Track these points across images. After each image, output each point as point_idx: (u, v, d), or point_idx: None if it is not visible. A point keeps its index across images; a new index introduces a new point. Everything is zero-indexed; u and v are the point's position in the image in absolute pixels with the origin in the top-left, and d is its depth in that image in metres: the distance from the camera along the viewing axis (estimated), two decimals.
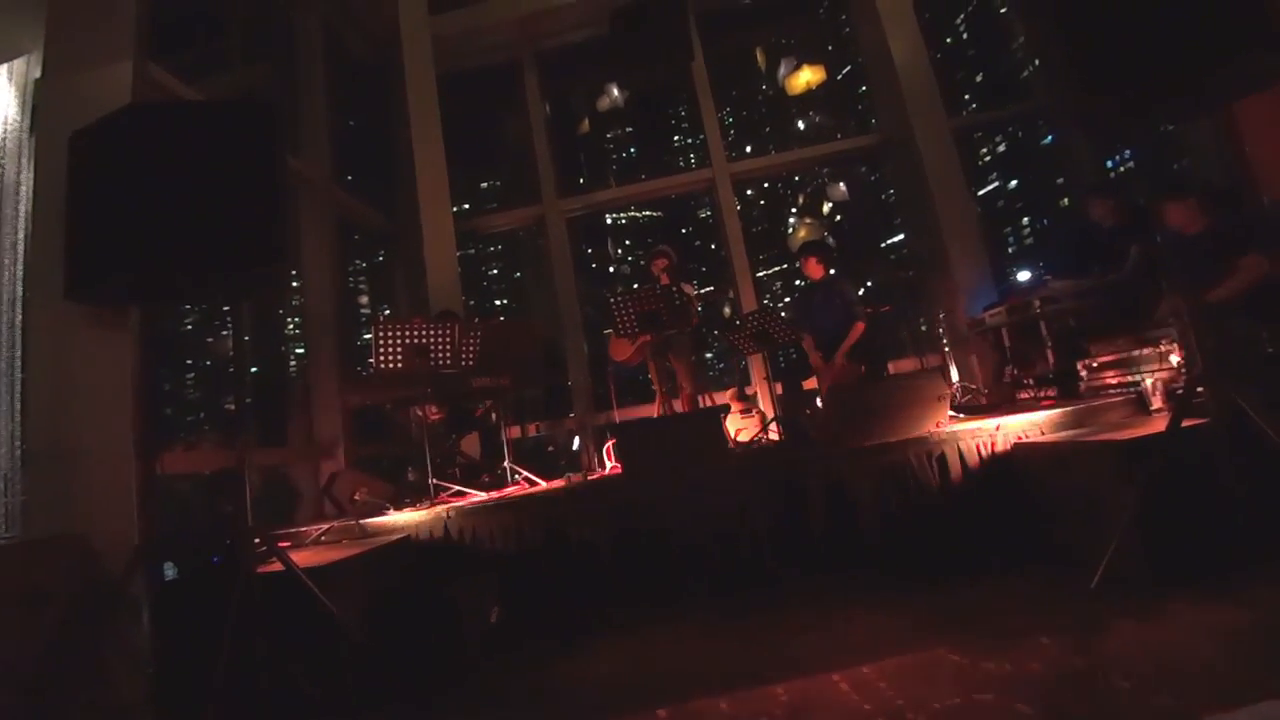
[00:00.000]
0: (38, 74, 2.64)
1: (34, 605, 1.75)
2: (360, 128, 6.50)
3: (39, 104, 2.63)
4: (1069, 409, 2.93)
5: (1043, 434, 2.84)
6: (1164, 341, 2.94)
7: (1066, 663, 1.59)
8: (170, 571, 2.56)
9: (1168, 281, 3.28)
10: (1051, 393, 3.83)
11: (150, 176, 1.84)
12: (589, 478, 3.51)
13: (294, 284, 4.87)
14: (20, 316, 2.57)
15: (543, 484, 3.51)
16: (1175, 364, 2.82)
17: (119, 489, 2.28)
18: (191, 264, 1.83)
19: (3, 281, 2.69)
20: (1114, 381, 3.21)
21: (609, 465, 3.95)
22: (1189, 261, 3.16)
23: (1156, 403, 2.70)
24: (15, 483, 2.30)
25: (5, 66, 2.72)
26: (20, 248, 2.66)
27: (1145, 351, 3.02)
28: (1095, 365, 3.36)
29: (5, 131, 2.73)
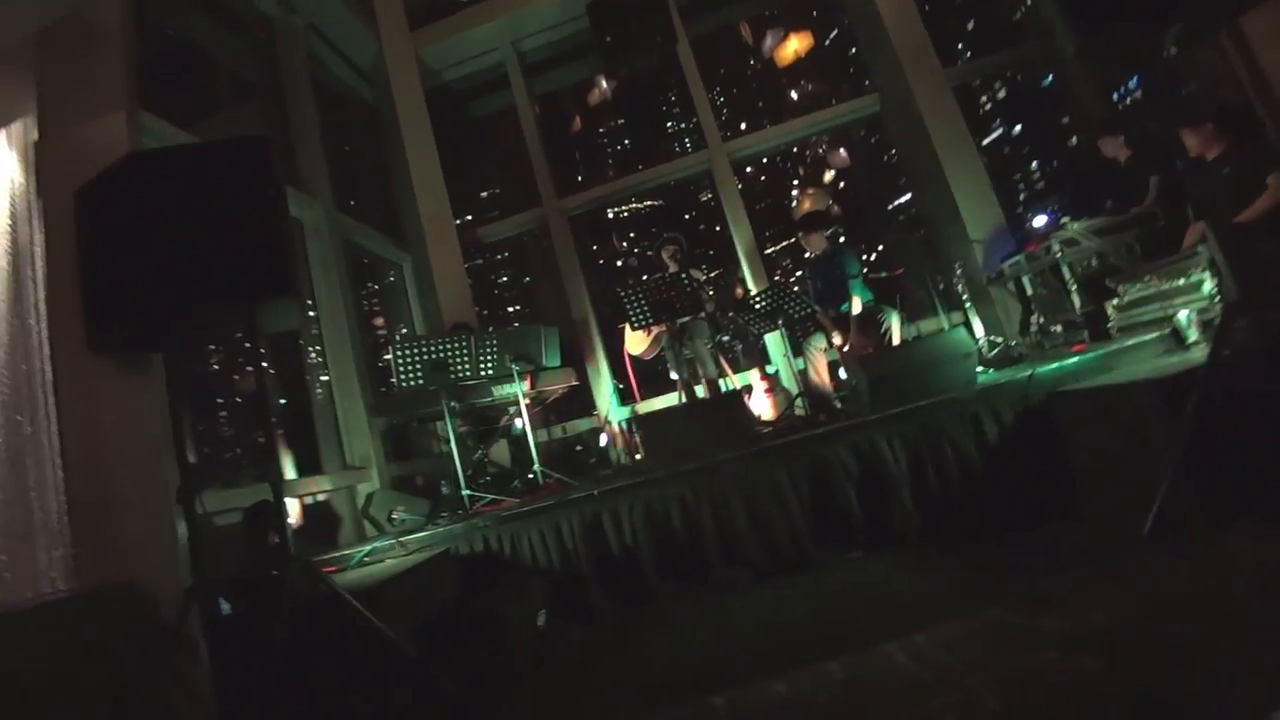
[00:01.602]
0: (35, 135, 2.68)
1: (93, 656, 1.79)
2: (357, 153, 6.54)
3: (41, 165, 2.68)
4: (1102, 351, 2.85)
5: (1078, 381, 2.76)
6: (1194, 270, 2.84)
7: (1129, 612, 1.55)
8: (224, 607, 2.61)
9: (1193, 208, 3.17)
10: (1082, 337, 3.74)
11: (155, 223, 1.86)
12: (619, 472, 3.51)
13: (311, 313, 4.93)
14: (50, 372, 2.63)
15: (574, 484, 3.51)
16: (1208, 293, 2.72)
17: (164, 532, 2.32)
18: (205, 303, 1.85)
19: (31, 341, 2.75)
20: (1146, 319, 3.12)
21: (638, 457, 3.94)
22: (1213, 186, 3.05)
23: (1193, 335, 2.61)
24: (64, 535, 2.36)
25: (4, 132, 2.76)
26: (42, 307, 2.71)
27: (1176, 284, 2.92)
28: (1124, 304, 3.27)
29: (13, 196, 2.78)
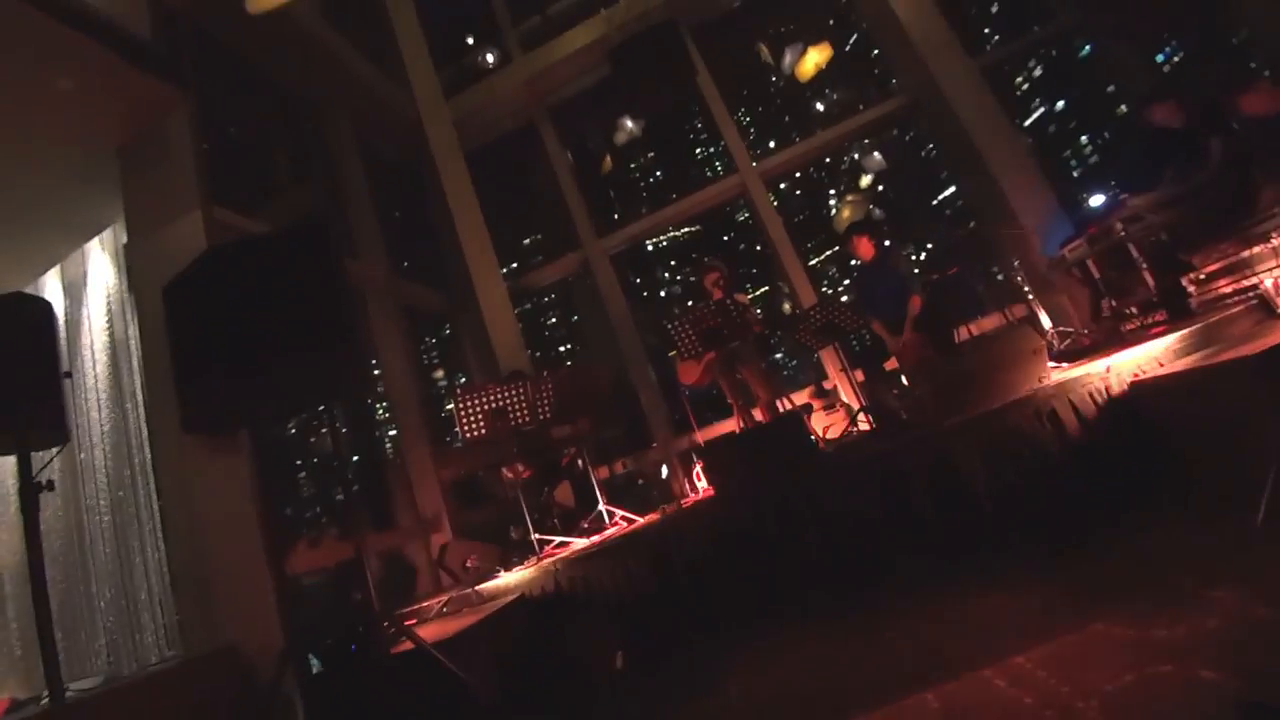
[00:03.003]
0: (124, 239, 2.96)
1: (202, 718, 1.90)
2: (408, 219, 6.90)
3: (131, 265, 2.95)
4: (1185, 331, 2.66)
5: (1161, 366, 2.58)
6: (1275, 235, 2.64)
7: (1248, 614, 1.42)
8: (315, 664, 2.72)
9: (1263, 169, 2.96)
10: (1160, 317, 3.51)
11: (233, 311, 2.02)
12: (683, 505, 3.49)
13: (376, 372, 5.18)
14: (150, 454, 2.86)
15: (640, 520, 3.51)
16: None
17: (259, 596, 2.45)
18: (281, 381, 1.98)
19: (130, 425, 3.00)
20: (1229, 290, 2.90)
21: (701, 488, 3.91)
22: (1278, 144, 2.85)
23: None
24: (168, 604, 2.52)
25: (97, 239, 3.07)
26: (139, 394, 2.96)
27: (1256, 250, 2.71)
28: (1203, 277, 3.05)
29: (109, 295, 3.07)
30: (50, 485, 2.21)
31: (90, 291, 3.32)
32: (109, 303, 3.25)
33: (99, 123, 2.83)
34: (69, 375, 3.12)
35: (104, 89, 2.67)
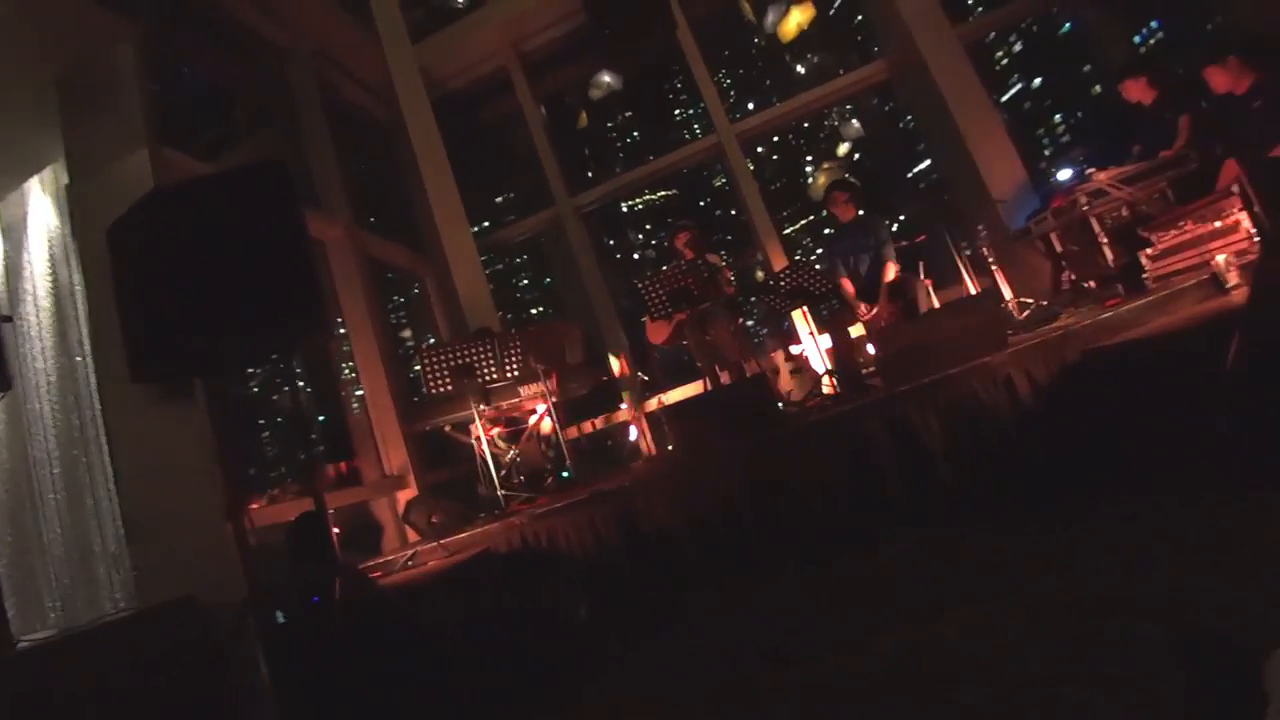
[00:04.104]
0: (66, 180, 2.79)
1: (160, 669, 1.88)
2: (374, 171, 6.67)
3: (73, 207, 2.79)
4: (1137, 304, 2.75)
5: (1114, 336, 2.67)
6: (1231, 211, 2.72)
7: (1189, 575, 1.50)
8: (280, 617, 2.71)
9: (1225, 146, 3.03)
10: (1117, 292, 3.61)
11: (182, 255, 1.93)
12: (649, 465, 3.53)
13: (341, 331, 5.06)
14: (99, 405, 2.76)
15: (605, 480, 3.54)
16: (1247, 232, 2.61)
17: (217, 549, 2.41)
18: (233, 327, 1.92)
19: (79, 377, 2.88)
20: (1182, 266, 3.00)
21: (669, 448, 3.95)
22: (1244, 122, 2.92)
23: (1232, 278, 2.50)
24: (124, 558, 2.47)
25: (37, 178, 2.89)
26: (86, 344, 2.84)
27: (1212, 226, 2.80)
28: (1159, 253, 3.15)
29: (50, 239, 2.91)
30: None
31: (31, 235, 3.14)
32: (50, 247, 3.08)
33: (36, 49, 2.63)
34: (9, 320, 2.98)
35: (42, 7, 2.48)
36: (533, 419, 4.40)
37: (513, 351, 3.67)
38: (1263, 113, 2.81)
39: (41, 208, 3.04)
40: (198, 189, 2.11)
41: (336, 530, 2.25)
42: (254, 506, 3.32)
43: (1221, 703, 0.98)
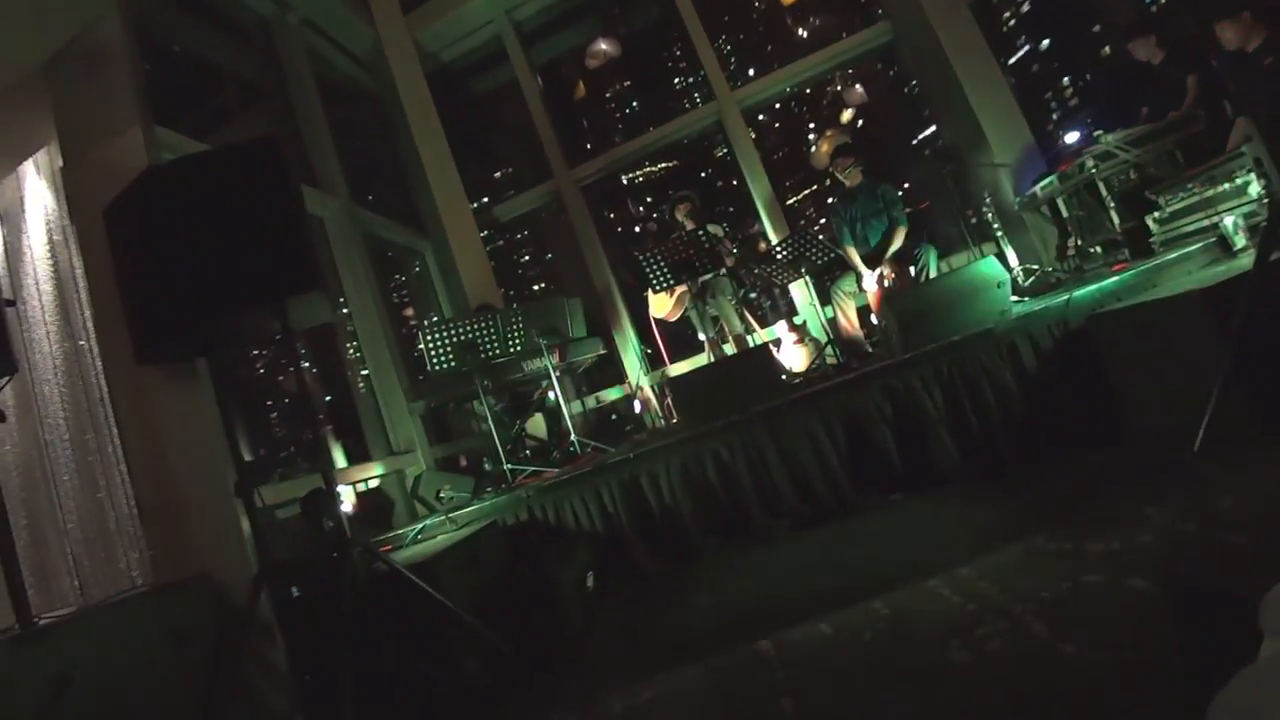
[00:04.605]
0: (61, 162, 2.77)
1: (176, 644, 1.93)
2: (370, 146, 6.58)
3: (69, 189, 2.78)
4: (1144, 268, 2.73)
5: (1119, 301, 2.65)
6: (1239, 173, 2.67)
7: (1178, 530, 1.52)
8: (295, 592, 2.77)
9: (1235, 104, 2.96)
10: (1123, 256, 3.57)
11: (179, 233, 1.93)
12: (653, 436, 3.55)
13: (344, 310, 5.06)
14: (106, 387, 2.78)
15: (610, 450, 3.57)
16: (1255, 195, 2.56)
17: (229, 526, 2.45)
18: (235, 306, 1.92)
19: (86, 360, 2.90)
20: (1190, 229, 2.95)
21: (673, 420, 3.97)
22: (1256, 79, 2.84)
23: (1241, 241, 2.47)
24: (138, 538, 2.52)
25: (31, 161, 2.86)
26: (90, 326, 2.85)
27: (1221, 188, 2.75)
28: (1166, 216, 3.10)
29: (49, 222, 2.90)
30: (1, 416, 2.16)
31: (29, 219, 3.12)
32: (49, 230, 3.07)
33: (23, 27, 2.59)
34: (11, 304, 2.99)
35: None
36: (536, 393, 4.42)
37: (515, 327, 3.67)
38: (1274, 70, 2.74)
39: (38, 191, 3.02)
40: (193, 166, 2.09)
41: (353, 508, 2.28)
42: (266, 485, 3.36)
43: (1217, 648, 1.00)
